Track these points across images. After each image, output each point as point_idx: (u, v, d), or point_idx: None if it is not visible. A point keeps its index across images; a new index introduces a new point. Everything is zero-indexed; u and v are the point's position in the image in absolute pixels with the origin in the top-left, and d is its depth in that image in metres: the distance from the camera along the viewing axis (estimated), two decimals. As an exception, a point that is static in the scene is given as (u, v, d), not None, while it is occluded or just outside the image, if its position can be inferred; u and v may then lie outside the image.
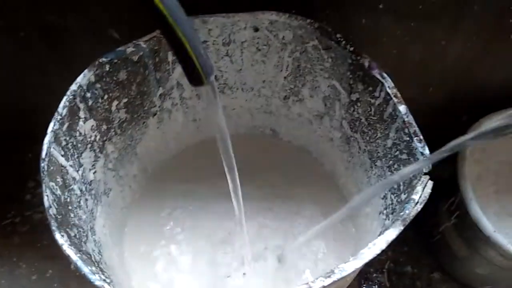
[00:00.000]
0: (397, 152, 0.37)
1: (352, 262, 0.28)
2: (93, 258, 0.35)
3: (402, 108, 0.35)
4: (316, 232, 0.44)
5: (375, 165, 0.42)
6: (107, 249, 0.42)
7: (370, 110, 0.41)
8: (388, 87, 0.37)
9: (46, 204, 0.30)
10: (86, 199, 0.39)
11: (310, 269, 0.49)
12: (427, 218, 0.57)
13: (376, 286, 0.59)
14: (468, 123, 0.52)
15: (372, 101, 0.40)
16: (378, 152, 0.41)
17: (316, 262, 0.49)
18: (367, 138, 0.43)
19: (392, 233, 0.29)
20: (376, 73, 0.38)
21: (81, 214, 0.37)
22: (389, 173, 0.39)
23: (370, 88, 0.40)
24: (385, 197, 0.40)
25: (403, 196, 0.35)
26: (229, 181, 0.38)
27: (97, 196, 0.42)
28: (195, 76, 0.27)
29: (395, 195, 0.37)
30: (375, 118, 0.40)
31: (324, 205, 0.52)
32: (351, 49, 0.39)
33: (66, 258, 0.61)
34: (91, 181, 0.41)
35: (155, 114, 0.49)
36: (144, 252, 0.50)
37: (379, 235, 0.37)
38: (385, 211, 0.39)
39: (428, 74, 0.54)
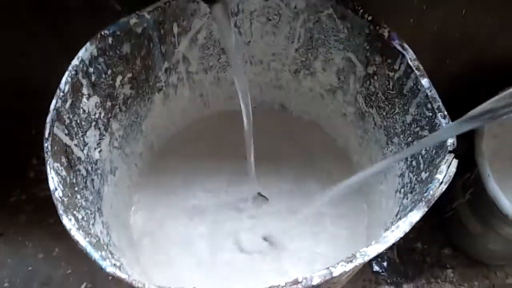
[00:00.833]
0: (418, 129, 0.36)
1: (374, 246, 0.27)
2: (102, 241, 0.34)
3: (425, 81, 0.33)
4: (328, 198, 0.42)
5: (392, 141, 0.41)
6: (115, 230, 0.41)
7: (388, 84, 0.39)
8: (410, 59, 0.34)
9: (52, 186, 0.29)
10: (92, 179, 0.38)
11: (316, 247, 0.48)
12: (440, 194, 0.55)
13: (386, 262, 0.59)
14: (486, 96, 0.50)
15: (391, 74, 0.38)
16: (396, 128, 0.39)
17: (326, 240, 0.48)
18: (384, 113, 0.41)
19: (416, 215, 0.28)
20: (396, 44, 0.35)
21: (88, 195, 0.36)
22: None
23: (389, 61, 0.37)
24: (402, 175, 0.39)
25: (423, 175, 0.34)
26: (244, 115, 0.38)
27: (104, 175, 0.41)
28: None
29: (414, 173, 0.36)
30: (393, 92, 0.38)
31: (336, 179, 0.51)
32: (369, 18, 0.37)
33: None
34: (96, 160, 0.39)
35: (160, 90, 0.47)
36: (152, 231, 0.50)
37: (397, 214, 0.36)
38: (402, 190, 0.38)
39: (446, 45, 0.51)
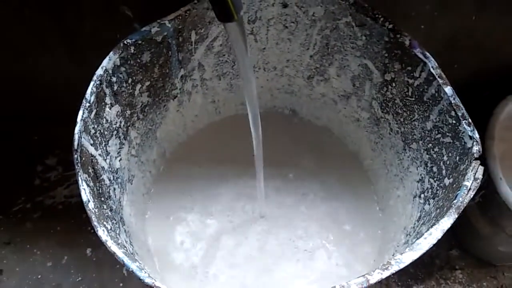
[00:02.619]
0: (439, 135, 0.36)
1: (408, 253, 0.27)
2: (128, 250, 0.34)
3: (448, 89, 0.34)
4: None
5: (410, 147, 0.41)
6: (134, 238, 0.41)
7: (407, 91, 0.39)
8: (432, 67, 0.35)
9: (85, 198, 0.29)
10: (114, 189, 0.38)
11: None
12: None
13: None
14: (490, 98, 0.51)
15: (411, 81, 0.38)
16: (414, 135, 0.40)
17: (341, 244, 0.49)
18: (401, 119, 0.42)
19: (447, 222, 0.28)
20: (418, 52, 0.36)
21: (112, 205, 0.36)
22: (427, 156, 0.38)
23: (409, 68, 0.38)
24: (421, 181, 0.39)
25: (446, 181, 0.34)
26: (252, 133, 0.39)
27: (123, 184, 0.41)
28: (225, 12, 0.27)
29: (435, 179, 0.37)
30: (412, 99, 0.39)
31: (346, 182, 0.52)
32: (390, 26, 0.37)
33: (81, 244, 0.60)
34: (117, 169, 0.39)
35: (175, 97, 0.47)
36: (165, 237, 0.49)
37: (419, 219, 0.36)
38: (422, 195, 0.38)
39: (455, 50, 0.52)
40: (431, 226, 0.30)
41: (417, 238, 0.32)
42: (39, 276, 0.58)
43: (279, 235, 0.50)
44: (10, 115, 0.62)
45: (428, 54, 0.36)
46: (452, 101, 0.33)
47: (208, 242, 0.49)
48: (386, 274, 0.26)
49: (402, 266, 0.26)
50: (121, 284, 0.56)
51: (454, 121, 0.34)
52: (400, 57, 0.38)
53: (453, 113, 0.33)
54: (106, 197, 0.35)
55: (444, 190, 0.34)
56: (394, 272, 0.26)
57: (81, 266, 0.58)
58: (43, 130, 0.66)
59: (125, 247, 0.34)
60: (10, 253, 0.59)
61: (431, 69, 0.35)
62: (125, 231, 0.38)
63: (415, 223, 0.37)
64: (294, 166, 0.54)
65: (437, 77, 0.35)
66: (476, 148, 0.31)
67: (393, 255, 0.38)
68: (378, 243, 0.47)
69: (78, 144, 0.31)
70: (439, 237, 0.28)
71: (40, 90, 0.58)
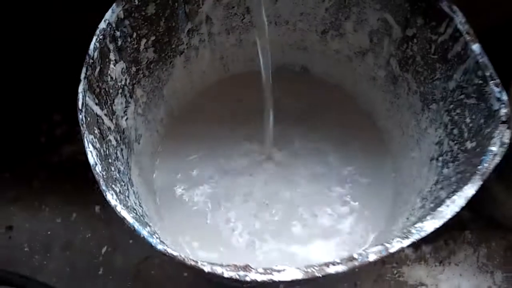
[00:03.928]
0: (462, 96, 0.34)
1: (430, 221, 0.26)
2: (138, 213, 0.33)
3: (476, 47, 0.32)
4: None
5: (429, 108, 0.39)
6: (144, 198, 0.40)
7: (430, 48, 0.37)
8: (459, 22, 0.32)
9: (91, 161, 0.28)
10: (122, 149, 0.37)
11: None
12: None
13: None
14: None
15: (434, 37, 0.36)
16: (435, 95, 0.38)
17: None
18: (421, 78, 0.39)
19: (471, 189, 0.27)
20: (444, 5, 0.33)
21: (119, 166, 0.35)
22: (448, 117, 0.37)
23: (433, 23, 0.35)
24: (439, 143, 0.38)
25: (468, 145, 0.33)
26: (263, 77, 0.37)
27: (130, 144, 0.40)
28: None
29: (455, 142, 0.35)
30: (435, 57, 0.37)
31: (358, 141, 0.50)
32: (415, -24, 0.34)
33: (90, 202, 0.60)
34: (123, 129, 0.38)
35: (182, 53, 0.45)
36: (175, 196, 0.49)
37: (436, 183, 0.35)
38: (440, 158, 0.37)
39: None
40: (452, 192, 0.29)
41: (436, 204, 0.31)
42: (49, 232, 0.58)
43: (288, 191, 0.49)
44: (14, 73, 0.60)
45: (455, 8, 0.33)
46: (480, 60, 0.31)
47: (217, 199, 0.49)
48: (406, 243, 0.25)
49: (423, 234, 0.26)
50: (130, 241, 0.56)
51: (480, 81, 0.32)
52: (424, 11, 0.35)
53: (479, 73, 0.31)
54: (114, 158, 0.34)
55: (465, 154, 0.32)
56: (415, 240, 0.25)
57: (90, 223, 0.58)
58: (46, 87, 0.64)
59: (135, 209, 0.33)
60: (18, 210, 0.59)
61: (458, 25, 0.32)
62: (134, 192, 0.37)
63: (432, 187, 0.36)
64: (305, 124, 0.53)
65: (464, 33, 0.32)
66: (504, 111, 0.29)
67: (407, 219, 0.37)
68: (390, 203, 0.46)
69: (82, 104, 0.29)
70: (463, 205, 0.27)
71: (42, 45, 0.56)
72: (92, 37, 0.31)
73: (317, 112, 0.53)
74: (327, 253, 0.44)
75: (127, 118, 0.38)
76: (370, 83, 0.48)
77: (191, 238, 0.46)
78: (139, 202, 0.37)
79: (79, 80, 0.30)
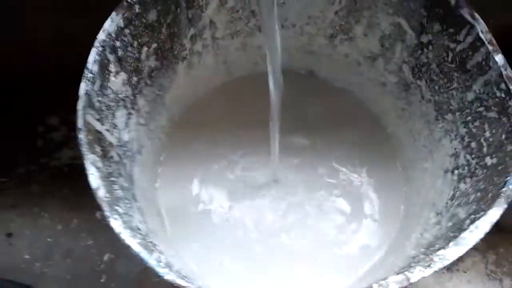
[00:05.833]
0: (481, 108, 0.33)
1: (453, 248, 0.25)
2: (142, 231, 0.32)
3: (499, 58, 0.30)
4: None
5: (444, 118, 0.38)
6: (148, 212, 0.39)
7: (446, 56, 0.35)
8: (481, 31, 0.31)
9: (94, 184, 0.26)
10: (124, 164, 0.35)
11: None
12: None
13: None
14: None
15: (452, 45, 0.34)
16: (451, 105, 0.36)
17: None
18: (436, 87, 0.38)
19: (496, 213, 0.26)
20: (465, 12, 0.31)
21: (123, 182, 0.33)
22: (464, 129, 0.35)
23: (451, 30, 0.33)
24: (455, 156, 0.36)
25: (488, 161, 0.31)
26: (271, 91, 0.37)
27: (132, 157, 0.38)
28: None
29: (473, 156, 0.33)
30: (452, 65, 0.35)
31: (366, 147, 0.49)
32: (433, -19, 0.32)
33: (90, 207, 0.58)
34: (125, 142, 0.36)
35: (184, 58, 0.43)
36: (179, 205, 0.48)
37: (452, 198, 0.34)
38: (456, 172, 0.36)
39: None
40: (473, 213, 0.28)
41: (454, 223, 0.30)
42: (49, 240, 0.57)
43: (293, 199, 0.48)
44: (9, 75, 0.58)
45: (477, 15, 0.31)
46: (503, 72, 0.29)
47: (221, 206, 0.48)
48: (428, 272, 0.24)
49: (446, 263, 0.24)
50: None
51: (503, 95, 0.30)
52: (442, 17, 0.34)
53: (503, 86, 0.30)
54: (116, 175, 0.32)
55: (485, 171, 0.31)
56: (437, 269, 0.24)
57: (91, 229, 0.57)
58: (43, 89, 0.62)
59: (139, 229, 0.31)
60: (17, 216, 0.58)
61: (480, 34, 0.31)
62: (137, 208, 0.35)
63: (447, 202, 0.34)
64: (311, 127, 0.51)
65: (486, 42, 0.30)
66: (530, 128, 0.28)
67: (421, 235, 0.36)
68: (401, 216, 0.44)
69: (83, 122, 0.27)
70: (487, 231, 0.25)
71: (39, 48, 0.54)
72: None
73: (323, 116, 0.52)
74: (335, 268, 0.43)
75: (129, 130, 0.37)
76: (379, 88, 0.46)
77: (197, 247, 0.45)
78: (143, 218, 0.35)
79: (77, 91, 0.29)
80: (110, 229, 0.60)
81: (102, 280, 0.55)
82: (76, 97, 0.29)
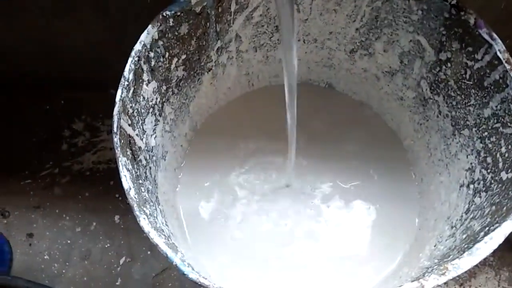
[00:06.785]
0: (498, 125, 0.33)
1: (467, 258, 0.26)
2: (165, 233, 0.33)
3: (516, 77, 0.31)
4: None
5: (461, 133, 0.39)
6: (169, 215, 0.40)
7: (464, 73, 0.36)
8: (499, 50, 0.32)
9: (126, 185, 0.28)
10: (150, 168, 0.37)
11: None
12: None
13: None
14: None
15: (470, 63, 0.35)
16: (467, 120, 0.37)
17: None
18: (453, 103, 0.39)
19: (510, 225, 0.26)
20: (483, 32, 0.32)
21: (148, 185, 0.35)
22: (481, 144, 0.36)
23: (469, 49, 0.35)
24: (471, 170, 0.37)
25: (504, 175, 0.32)
26: (287, 103, 0.37)
27: (157, 162, 0.40)
28: None
29: (489, 171, 0.34)
30: (469, 82, 0.36)
31: (383, 159, 0.50)
32: (453, 2, 0.34)
33: (109, 211, 0.60)
34: (152, 147, 0.38)
35: (210, 70, 0.44)
36: (198, 211, 0.49)
37: (467, 212, 0.34)
38: (471, 186, 0.36)
39: (511, 23, 0.48)
40: (487, 226, 0.28)
41: (468, 235, 0.30)
42: (69, 241, 0.59)
43: (308, 209, 0.49)
44: (36, 80, 0.61)
45: (495, 35, 0.32)
46: (521, 90, 0.31)
47: (238, 213, 0.49)
48: (442, 280, 0.25)
49: (459, 272, 0.25)
50: (149, 252, 0.56)
51: (520, 113, 0.31)
52: (461, 36, 0.35)
53: (519, 104, 0.31)
54: (143, 178, 0.34)
55: (500, 185, 0.32)
56: (451, 278, 0.25)
57: (110, 232, 0.59)
58: (69, 95, 0.65)
59: (163, 230, 0.33)
60: (40, 217, 0.60)
61: (498, 53, 0.32)
62: (160, 211, 0.37)
63: (462, 215, 0.35)
64: (328, 138, 0.52)
65: (504, 61, 0.31)
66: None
67: (435, 246, 0.36)
68: (415, 228, 0.45)
69: (117, 127, 0.29)
70: (501, 242, 0.26)
71: (66, 54, 0.57)
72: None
73: (340, 128, 0.53)
74: (348, 279, 0.43)
75: (155, 136, 0.38)
76: (397, 103, 0.47)
77: (213, 254, 0.46)
78: (165, 221, 0.37)
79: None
80: (127, 233, 0.61)
81: (117, 283, 0.56)
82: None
